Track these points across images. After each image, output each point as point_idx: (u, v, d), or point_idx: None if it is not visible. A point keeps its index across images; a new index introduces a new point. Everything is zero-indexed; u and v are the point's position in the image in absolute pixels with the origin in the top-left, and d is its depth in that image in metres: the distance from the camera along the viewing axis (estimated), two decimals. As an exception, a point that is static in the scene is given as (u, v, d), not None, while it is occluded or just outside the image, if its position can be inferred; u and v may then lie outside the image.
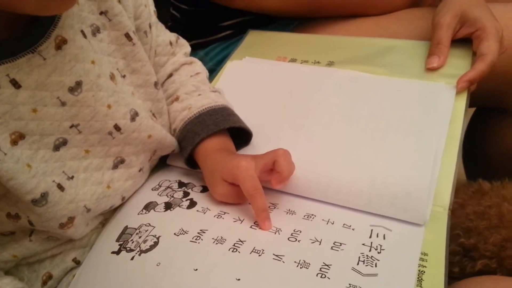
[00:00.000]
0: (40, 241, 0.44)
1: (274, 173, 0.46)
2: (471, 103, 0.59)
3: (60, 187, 0.41)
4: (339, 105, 0.58)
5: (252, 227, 0.44)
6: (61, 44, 0.39)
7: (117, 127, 0.45)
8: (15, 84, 0.37)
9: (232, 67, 0.69)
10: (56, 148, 0.41)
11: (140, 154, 0.49)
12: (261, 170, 0.45)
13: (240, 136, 0.55)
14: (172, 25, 0.88)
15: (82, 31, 0.42)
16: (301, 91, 0.61)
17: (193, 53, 0.84)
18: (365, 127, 0.54)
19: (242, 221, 0.45)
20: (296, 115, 0.58)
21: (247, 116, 0.56)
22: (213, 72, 0.83)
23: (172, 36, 0.58)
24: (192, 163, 0.53)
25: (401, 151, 0.49)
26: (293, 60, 0.68)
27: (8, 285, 0.41)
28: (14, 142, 0.37)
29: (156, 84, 0.51)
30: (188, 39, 0.84)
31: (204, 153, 0.51)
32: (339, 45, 0.69)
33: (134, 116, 0.46)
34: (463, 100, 0.57)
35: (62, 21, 0.40)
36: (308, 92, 0.61)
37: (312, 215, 0.46)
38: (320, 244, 0.42)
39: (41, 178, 0.39)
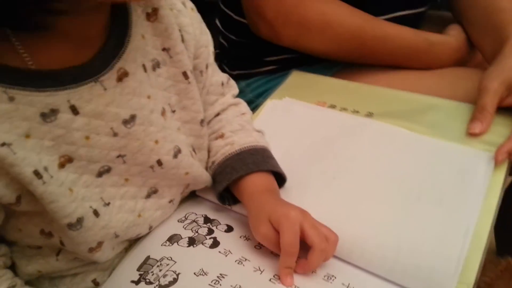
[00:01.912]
0: (66, 260, 0.45)
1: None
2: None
3: (96, 213, 0.42)
4: (373, 160, 0.58)
5: (271, 280, 0.44)
6: (122, 76, 0.41)
7: (159, 162, 0.46)
8: (74, 110, 0.38)
9: (271, 106, 0.70)
10: (100, 174, 0.42)
11: (173, 187, 0.50)
12: (301, 233, 0.44)
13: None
14: (219, 53, 0.90)
15: (143, 65, 0.44)
16: (336, 139, 0.61)
17: (236, 82, 0.86)
18: (397, 188, 0.53)
19: (262, 272, 0.45)
20: (328, 165, 0.58)
21: (279, 158, 0.56)
22: (251, 103, 0.84)
23: (224, 77, 0.59)
24: (223, 199, 0.54)
25: (431, 221, 0.48)
26: (332, 106, 0.68)
27: None
28: (62, 165, 0.39)
29: (202, 121, 0.52)
30: (232, 68, 0.87)
31: (250, 190, 0.51)
32: (380, 96, 0.69)
33: (177, 153, 0.47)
34: (502, 171, 0.55)
35: (127, 53, 0.42)
36: (343, 141, 0.61)
37: (333, 276, 0.45)
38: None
39: (80, 203, 0.40)
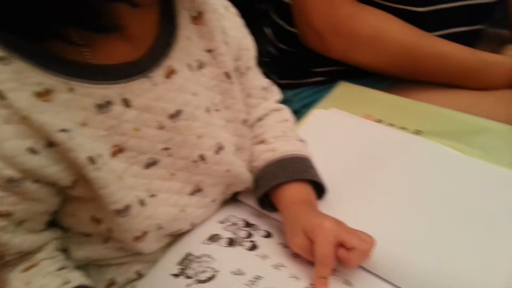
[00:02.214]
0: (113, 249, 0.48)
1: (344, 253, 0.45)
2: None
3: (142, 202, 0.44)
4: (419, 179, 0.57)
5: (307, 288, 0.44)
6: (170, 73, 0.44)
7: (202, 157, 0.48)
8: (126, 103, 0.41)
9: (317, 116, 0.70)
10: (147, 166, 0.45)
11: (217, 186, 0.52)
12: (339, 242, 0.44)
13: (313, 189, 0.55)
14: (268, 62, 0.92)
15: (189, 65, 0.46)
16: (381, 155, 0.61)
17: (283, 91, 0.87)
18: (442, 210, 0.52)
19: (298, 279, 0.45)
20: (371, 181, 0.57)
21: (320, 169, 0.56)
22: (297, 113, 0.85)
23: (266, 82, 0.60)
24: (262, 204, 0.55)
25: (476, 248, 0.47)
26: (379, 121, 0.67)
27: (79, 278, 0.45)
28: (114, 155, 0.42)
29: (244, 121, 0.54)
30: (280, 77, 0.88)
31: (287, 199, 0.52)
32: (430, 114, 0.67)
33: (218, 150, 0.49)
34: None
35: (174, 52, 0.44)
36: (389, 158, 0.60)
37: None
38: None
39: (128, 192, 0.43)
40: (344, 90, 0.76)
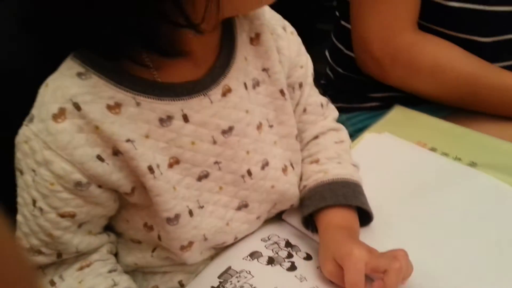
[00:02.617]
0: (159, 258, 0.50)
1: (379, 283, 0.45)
2: None
3: (191, 213, 0.47)
4: (470, 213, 0.55)
5: (341, 312, 0.44)
6: (226, 92, 0.47)
7: (249, 172, 0.50)
8: (185, 118, 0.44)
9: (369, 139, 0.69)
10: (199, 178, 0.47)
11: (263, 203, 0.53)
12: (371, 269, 0.45)
13: (360, 216, 0.55)
14: (324, 84, 0.93)
15: (244, 83, 0.49)
16: (433, 185, 0.60)
17: (337, 115, 0.87)
18: (493, 248, 0.50)
19: (332, 304, 0.45)
20: (419, 210, 0.56)
21: (369, 194, 0.56)
22: (350, 137, 0.85)
23: (324, 99, 0.61)
24: (306, 224, 0.55)
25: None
26: (433, 149, 0.66)
27: (126, 281, 0.48)
28: (171, 166, 0.45)
29: (297, 136, 0.55)
30: (335, 101, 0.88)
31: (328, 222, 0.52)
32: (486, 146, 0.65)
33: (264, 165, 0.51)
34: None
35: (231, 72, 0.47)
36: (440, 188, 0.59)
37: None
38: None
39: (179, 201, 0.46)
40: (399, 114, 0.75)
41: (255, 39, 0.51)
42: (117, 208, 0.47)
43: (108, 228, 0.50)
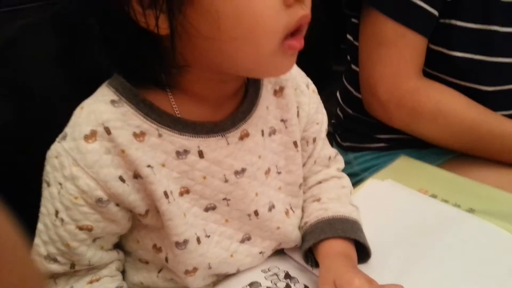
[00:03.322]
0: (165, 279, 0.53)
1: None
2: None
3: (198, 240, 0.50)
4: (468, 257, 0.57)
5: None
6: (244, 136, 0.51)
7: (256, 213, 0.53)
8: (200, 154, 0.48)
9: (373, 185, 0.72)
10: (206, 209, 0.51)
11: (266, 239, 0.56)
12: None
13: (358, 253, 0.57)
14: (334, 123, 0.96)
15: (262, 130, 0.53)
16: (432, 229, 0.62)
17: (344, 153, 0.91)
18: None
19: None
20: (418, 254, 0.58)
21: (370, 236, 0.58)
22: (356, 176, 0.88)
23: (333, 152, 0.65)
24: (307, 257, 0.57)
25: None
26: (434, 196, 0.68)
27: None
28: (181, 194, 0.49)
29: (300, 185, 0.59)
30: (343, 140, 0.92)
31: (327, 251, 0.54)
32: (484, 194, 0.67)
33: (271, 207, 0.54)
34: None
35: (252, 119, 0.51)
36: (439, 233, 0.61)
37: None
38: None
39: (188, 228, 0.49)
40: (403, 163, 0.78)
41: (279, 91, 0.55)
42: (129, 228, 0.51)
43: (118, 246, 0.54)
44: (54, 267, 0.48)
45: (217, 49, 0.43)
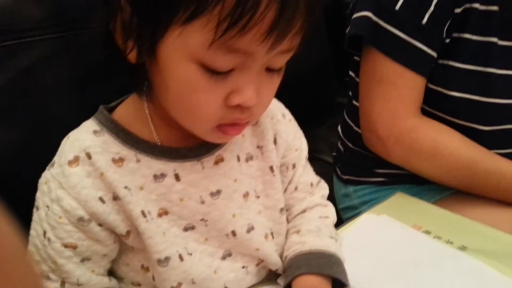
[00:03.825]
0: None
1: None
2: None
3: (181, 257, 0.52)
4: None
5: None
6: (219, 161, 0.54)
7: (234, 233, 0.55)
8: (177, 177, 0.52)
9: (368, 220, 0.73)
10: (185, 229, 0.54)
11: (246, 255, 0.58)
12: None
13: (337, 284, 0.58)
14: (335, 156, 0.98)
15: (238, 156, 0.56)
16: (423, 266, 0.62)
17: (344, 186, 0.92)
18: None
19: None
20: (408, 288, 0.59)
21: (360, 270, 0.60)
22: (355, 209, 0.89)
23: (315, 178, 0.67)
24: None
25: None
26: (427, 232, 0.69)
27: None
28: (160, 215, 0.52)
29: (281, 210, 0.61)
30: (343, 173, 0.94)
31: (302, 286, 0.56)
32: (479, 232, 0.68)
33: (250, 229, 0.56)
34: None
35: (227, 145, 0.55)
36: (429, 269, 0.62)
37: None
38: None
39: (169, 245, 0.52)
40: (399, 199, 0.79)
41: (256, 119, 0.57)
42: (117, 249, 0.53)
43: (111, 274, 0.56)
44: (48, 284, 0.51)
45: (165, 100, 0.47)
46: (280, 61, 0.46)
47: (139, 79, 0.48)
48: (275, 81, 0.48)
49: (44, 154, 0.51)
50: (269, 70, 0.46)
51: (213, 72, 0.42)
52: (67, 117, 0.70)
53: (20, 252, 0.25)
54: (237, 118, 0.46)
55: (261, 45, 0.40)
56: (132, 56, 0.45)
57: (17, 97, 0.66)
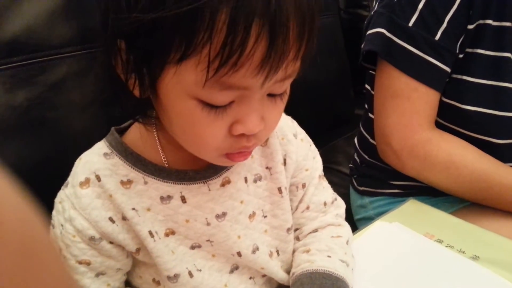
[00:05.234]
0: None
1: None
2: None
3: (191, 274, 0.54)
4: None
5: None
6: (225, 183, 0.55)
7: (239, 254, 0.57)
8: (183, 199, 0.53)
9: (379, 227, 0.75)
10: (192, 248, 0.55)
11: (252, 269, 0.60)
12: None
13: None
14: (351, 167, 1.00)
15: (245, 177, 0.57)
16: (434, 275, 0.63)
17: (360, 197, 0.94)
18: None
19: None
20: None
21: (371, 278, 0.61)
22: (371, 220, 0.90)
23: (330, 197, 0.66)
24: None
25: None
26: (439, 241, 0.70)
27: None
28: (167, 235, 0.54)
29: (288, 229, 0.61)
30: (359, 184, 0.95)
31: None
32: (492, 243, 0.69)
33: (255, 250, 0.58)
34: None
35: (234, 167, 0.56)
36: (441, 278, 0.63)
37: None
38: None
39: (178, 263, 0.54)
40: (412, 206, 0.80)
41: (264, 141, 0.58)
42: (131, 265, 0.56)
43: (129, 285, 0.58)
44: None
45: (171, 131, 0.49)
46: (281, 88, 0.45)
47: (146, 111, 0.50)
48: (279, 105, 0.47)
49: (70, 166, 0.54)
50: (272, 95, 0.46)
51: (212, 106, 0.42)
52: (92, 131, 0.74)
53: (54, 252, 0.26)
54: (244, 147, 0.46)
55: (255, 78, 0.40)
56: (136, 91, 0.45)
57: (46, 110, 0.71)
